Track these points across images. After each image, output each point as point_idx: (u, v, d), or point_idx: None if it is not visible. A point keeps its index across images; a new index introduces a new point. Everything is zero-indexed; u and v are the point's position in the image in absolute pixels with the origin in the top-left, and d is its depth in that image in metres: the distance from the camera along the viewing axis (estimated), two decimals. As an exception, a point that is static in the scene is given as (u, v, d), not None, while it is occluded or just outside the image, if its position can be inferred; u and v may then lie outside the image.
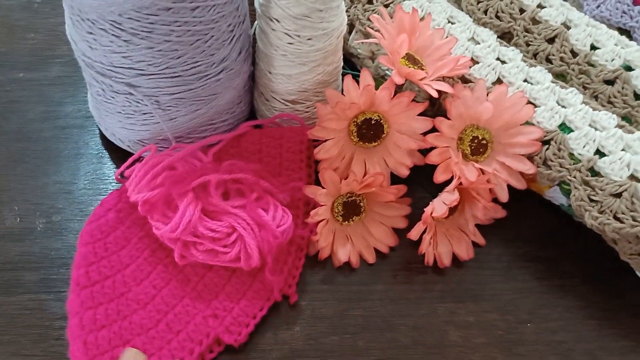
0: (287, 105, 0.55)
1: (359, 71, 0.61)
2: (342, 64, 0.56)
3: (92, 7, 0.43)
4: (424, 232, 0.51)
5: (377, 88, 0.52)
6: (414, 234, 0.50)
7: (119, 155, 0.57)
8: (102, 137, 0.58)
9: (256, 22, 0.53)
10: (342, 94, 0.51)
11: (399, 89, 0.55)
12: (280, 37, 0.49)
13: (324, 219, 0.51)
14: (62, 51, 0.66)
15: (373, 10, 0.59)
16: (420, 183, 0.56)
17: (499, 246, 0.55)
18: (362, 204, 0.53)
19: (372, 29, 0.52)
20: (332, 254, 0.53)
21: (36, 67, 0.64)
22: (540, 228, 0.56)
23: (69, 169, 0.57)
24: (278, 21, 0.49)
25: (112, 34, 0.44)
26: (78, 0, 0.43)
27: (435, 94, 0.49)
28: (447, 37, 0.56)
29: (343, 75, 0.58)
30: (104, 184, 0.56)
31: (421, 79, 0.50)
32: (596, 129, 0.51)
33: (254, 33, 0.54)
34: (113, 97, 0.50)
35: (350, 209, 0.53)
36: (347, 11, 0.60)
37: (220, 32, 0.47)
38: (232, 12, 0.48)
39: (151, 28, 0.44)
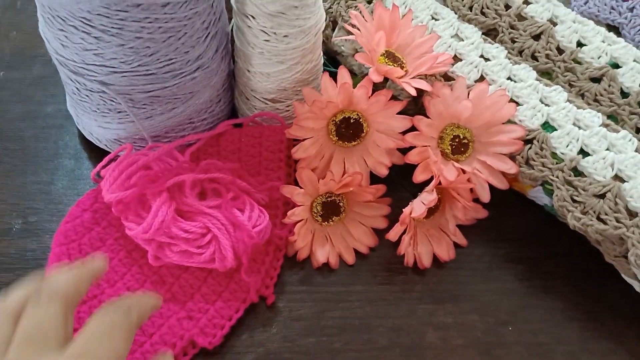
0: (267, 104, 0.54)
1: (342, 69, 0.60)
2: (322, 61, 0.55)
3: (61, 4, 0.42)
4: (404, 232, 0.50)
5: (355, 83, 0.51)
6: (392, 235, 0.49)
7: (97, 154, 0.56)
8: (81, 136, 0.58)
9: (233, 19, 0.52)
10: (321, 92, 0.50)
11: (381, 87, 0.54)
12: (256, 34, 0.49)
13: (302, 220, 0.50)
14: (44, 50, 0.65)
15: (356, 7, 0.58)
16: (401, 182, 0.55)
17: (481, 246, 0.54)
18: (341, 204, 0.52)
19: (352, 25, 0.51)
20: (311, 255, 0.52)
21: (17, 66, 0.64)
22: (523, 228, 0.55)
23: (48, 169, 0.56)
24: (254, 18, 0.48)
25: (83, 31, 0.44)
26: (47, -2, 0.43)
27: (413, 92, 0.48)
28: (429, 34, 0.55)
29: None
30: (82, 184, 0.56)
31: (400, 77, 0.49)
32: (580, 128, 0.50)
33: (232, 30, 0.53)
34: (87, 96, 0.50)
35: (330, 209, 0.52)
36: (330, 8, 0.59)
37: (194, 29, 0.47)
38: (207, 9, 0.47)
39: (121, 25, 0.43)
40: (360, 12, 0.52)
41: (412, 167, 0.51)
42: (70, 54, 0.46)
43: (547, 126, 0.51)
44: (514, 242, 0.54)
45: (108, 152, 0.55)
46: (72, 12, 0.43)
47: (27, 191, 0.55)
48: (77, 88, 0.50)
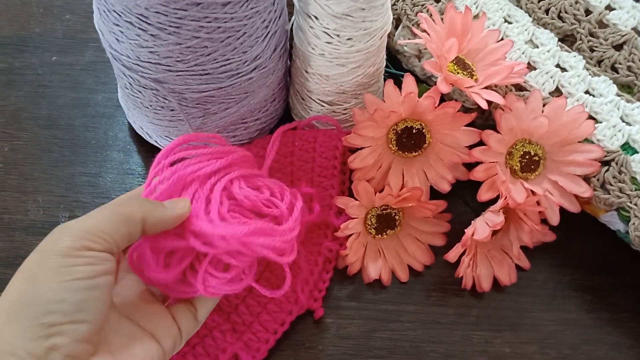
0: (323, 106, 0.52)
1: (404, 70, 0.57)
2: (384, 64, 0.51)
3: (117, -1, 0.40)
4: (463, 253, 0.47)
5: (421, 91, 0.48)
6: (451, 256, 0.46)
7: (147, 149, 0.55)
8: (131, 128, 0.56)
9: (294, 16, 0.49)
10: (383, 97, 0.47)
11: (445, 93, 0.51)
12: (318, 35, 0.46)
13: (354, 233, 0.48)
14: (97, 34, 0.63)
15: (422, 5, 0.54)
16: (461, 196, 0.52)
17: (544, 271, 0.50)
18: (397, 217, 0.50)
19: (420, 29, 0.48)
20: (362, 269, 0.49)
21: (70, 51, 0.62)
22: (591, 253, 0.51)
23: (96, 161, 0.55)
24: (317, 18, 0.45)
25: (139, 28, 0.42)
26: (104, -9, 0.41)
27: (484, 105, 0.45)
28: (502, 39, 0.51)
29: (386, 75, 0.54)
30: (130, 179, 0.54)
31: (469, 87, 0.46)
32: (664, 151, 0.46)
33: (292, 28, 0.50)
34: (140, 92, 0.48)
35: (385, 222, 0.49)
36: (394, 5, 0.56)
37: (254, 28, 0.44)
38: (268, 7, 0.44)
39: (179, 23, 0.41)
40: (430, 14, 0.48)
41: (474, 180, 0.48)
42: (125, 50, 0.44)
43: (628, 148, 0.47)
44: (581, 269, 0.50)
45: (157, 148, 0.53)
46: (128, 7, 0.40)
47: (74, 183, 0.54)
48: (129, 83, 0.48)
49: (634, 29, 0.53)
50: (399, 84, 0.47)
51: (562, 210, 0.48)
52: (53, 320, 0.30)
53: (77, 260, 0.32)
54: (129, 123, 0.56)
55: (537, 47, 0.52)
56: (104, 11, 0.43)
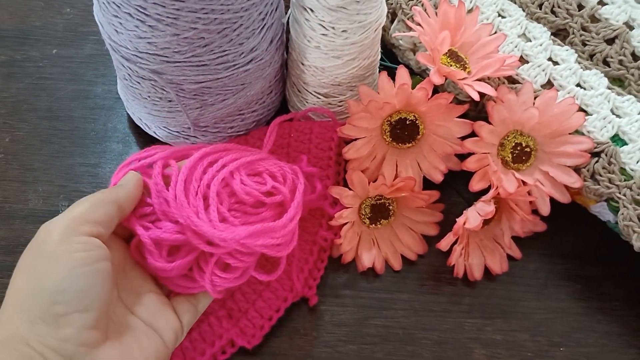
0: (319, 98, 0.52)
1: (400, 64, 0.58)
2: (379, 57, 0.52)
3: (116, -10, 0.41)
4: (455, 242, 0.48)
5: (415, 83, 0.49)
6: (443, 245, 0.47)
7: (145, 140, 0.56)
8: (130, 120, 0.57)
9: (290, 9, 0.50)
10: (377, 90, 0.48)
11: (439, 86, 0.52)
12: (314, 27, 0.47)
13: (349, 222, 0.48)
14: (97, 27, 0.64)
15: (419, 0, 0.55)
16: (455, 187, 0.53)
17: (536, 261, 0.51)
18: (391, 207, 0.50)
19: (414, 22, 0.49)
20: (356, 258, 0.50)
21: (70, 44, 0.63)
22: (582, 244, 0.52)
23: (95, 151, 0.56)
24: (312, 11, 0.46)
25: (137, 19, 0.42)
26: (103, -17, 0.42)
27: (476, 97, 0.46)
28: (495, 33, 0.52)
29: (381, 68, 0.55)
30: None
31: (462, 79, 0.47)
32: (654, 143, 0.47)
33: (288, 20, 0.51)
34: (139, 83, 0.48)
35: (379, 211, 0.50)
36: (389, -1, 0.57)
37: (251, 20, 0.45)
38: (264, -1, 0.45)
39: (177, 15, 0.41)
40: (424, 8, 0.49)
41: (467, 171, 0.49)
42: (124, 41, 0.45)
43: (618, 139, 0.47)
44: (572, 259, 0.51)
45: (155, 139, 0.54)
46: (127, -1, 0.41)
47: (74, 173, 0.55)
48: (128, 74, 0.48)
49: (626, 23, 0.53)
50: (394, 76, 0.48)
51: (554, 201, 0.49)
52: (60, 310, 0.31)
53: (72, 247, 0.33)
54: (128, 114, 0.57)
55: (530, 41, 0.53)
56: (104, 3, 0.44)
